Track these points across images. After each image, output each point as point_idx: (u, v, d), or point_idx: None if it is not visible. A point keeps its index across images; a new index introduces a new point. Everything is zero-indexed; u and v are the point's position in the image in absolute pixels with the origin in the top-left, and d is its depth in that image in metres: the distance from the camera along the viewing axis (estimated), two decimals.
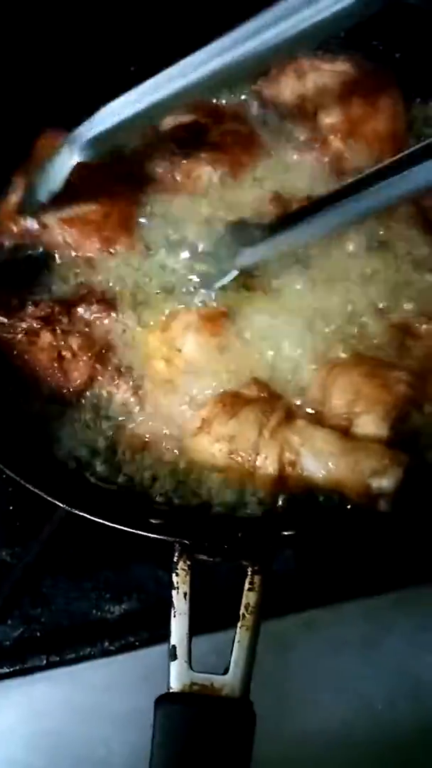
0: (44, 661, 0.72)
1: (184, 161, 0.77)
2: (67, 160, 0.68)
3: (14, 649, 0.73)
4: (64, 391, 0.69)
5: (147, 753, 0.63)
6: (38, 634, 0.74)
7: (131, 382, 0.69)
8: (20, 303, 0.71)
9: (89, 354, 0.69)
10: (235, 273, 0.70)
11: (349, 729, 0.69)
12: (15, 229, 0.75)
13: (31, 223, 0.75)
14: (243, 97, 0.83)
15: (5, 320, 0.70)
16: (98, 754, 0.69)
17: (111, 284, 0.73)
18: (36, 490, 0.57)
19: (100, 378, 0.69)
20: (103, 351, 0.70)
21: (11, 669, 0.72)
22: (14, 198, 0.76)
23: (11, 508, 0.78)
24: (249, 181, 0.78)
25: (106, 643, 0.72)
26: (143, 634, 0.72)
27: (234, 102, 0.83)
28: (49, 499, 0.57)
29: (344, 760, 0.69)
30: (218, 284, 0.71)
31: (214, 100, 0.83)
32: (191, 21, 0.80)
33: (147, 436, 0.67)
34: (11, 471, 0.58)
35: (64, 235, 0.74)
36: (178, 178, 0.78)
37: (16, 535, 0.77)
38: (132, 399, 0.68)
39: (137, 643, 0.72)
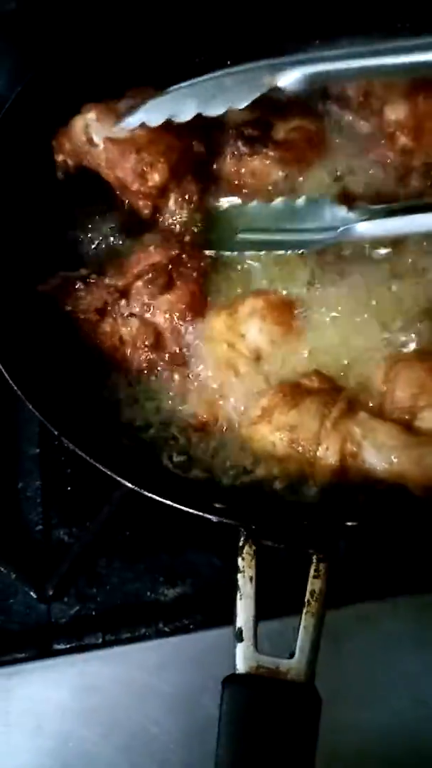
0: (100, 639, 0.73)
1: (250, 158, 0.77)
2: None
3: (71, 627, 0.74)
4: (129, 373, 0.70)
5: (196, 733, 0.64)
6: (93, 612, 0.75)
7: (192, 366, 0.69)
8: (78, 290, 0.71)
9: (149, 338, 0.70)
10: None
11: (400, 724, 0.69)
12: (68, 146, 0.77)
13: (86, 145, 0.75)
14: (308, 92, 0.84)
15: (68, 307, 0.71)
16: (150, 732, 0.70)
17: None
18: (107, 470, 0.58)
19: (162, 361, 0.70)
20: (163, 334, 0.70)
21: (68, 645, 0.73)
22: (80, 122, 0.76)
23: (69, 489, 0.80)
24: (316, 177, 0.77)
25: (161, 625, 0.73)
26: (196, 617, 0.73)
27: (300, 97, 0.83)
28: (120, 479, 0.58)
29: (396, 754, 0.69)
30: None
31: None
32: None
33: (207, 420, 0.68)
34: (82, 450, 0.59)
35: (107, 155, 0.74)
36: (243, 172, 0.78)
37: (73, 515, 0.79)
38: (192, 382, 0.69)
39: (191, 626, 0.73)
